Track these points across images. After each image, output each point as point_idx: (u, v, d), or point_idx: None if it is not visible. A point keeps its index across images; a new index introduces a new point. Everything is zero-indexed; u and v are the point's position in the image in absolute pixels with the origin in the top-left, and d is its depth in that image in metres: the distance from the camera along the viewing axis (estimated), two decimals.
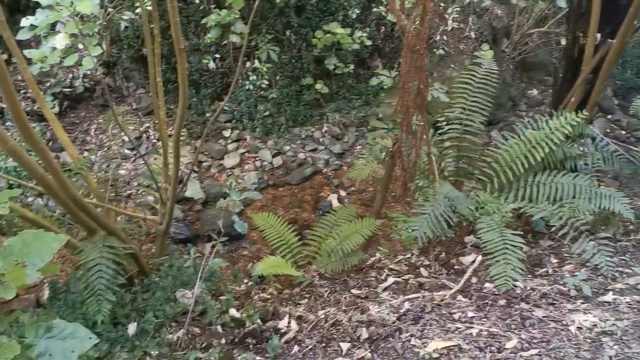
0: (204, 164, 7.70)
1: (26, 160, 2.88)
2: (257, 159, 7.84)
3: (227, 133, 8.03)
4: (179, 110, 3.34)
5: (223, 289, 3.97)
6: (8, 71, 2.45)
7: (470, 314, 3.05)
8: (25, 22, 4.65)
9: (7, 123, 7.16)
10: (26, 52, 4.63)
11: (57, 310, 3.63)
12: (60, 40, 5.02)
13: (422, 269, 3.93)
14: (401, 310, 3.22)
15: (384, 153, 4.42)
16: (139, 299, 3.76)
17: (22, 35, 4.59)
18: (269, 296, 4.10)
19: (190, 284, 3.83)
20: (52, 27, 5.10)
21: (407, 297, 3.42)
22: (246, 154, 7.91)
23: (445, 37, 8.28)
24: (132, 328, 3.46)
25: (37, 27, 4.65)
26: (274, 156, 7.85)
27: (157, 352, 3.09)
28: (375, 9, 7.90)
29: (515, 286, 3.30)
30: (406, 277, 3.86)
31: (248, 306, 3.62)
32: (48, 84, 7.46)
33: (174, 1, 2.75)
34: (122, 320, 3.60)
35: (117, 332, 3.40)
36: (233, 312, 3.55)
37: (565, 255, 3.77)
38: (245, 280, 4.77)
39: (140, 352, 3.10)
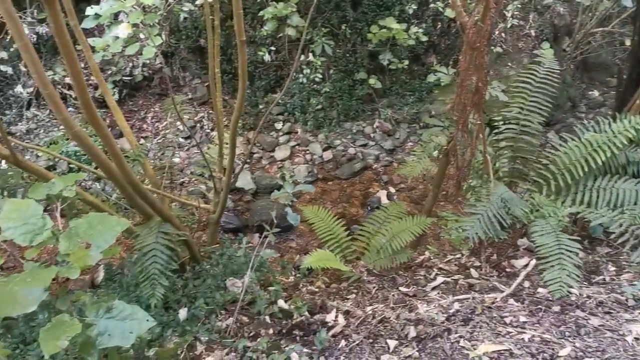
0: (255, 155, 7.80)
1: (89, 145, 2.98)
2: (308, 152, 7.88)
3: (279, 125, 8.10)
4: (237, 101, 3.38)
5: (272, 279, 4.02)
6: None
7: (522, 319, 2.99)
8: (90, 11, 4.80)
9: (69, 109, 7.42)
10: (90, 40, 4.79)
11: (112, 292, 3.75)
12: (122, 30, 5.17)
13: (472, 270, 3.87)
14: (450, 311, 3.18)
15: (438, 151, 4.38)
16: (190, 285, 3.85)
17: (87, 24, 4.74)
18: (316, 289, 4.12)
19: (240, 273, 3.90)
20: (115, 17, 5.26)
21: (456, 297, 3.37)
22: (297, 146, 7.97)
23: (503, 35, 8.09)
24: (182, 313, 3.54)
25: (101, 16, 4.80)
26: (324, 150, 7.87)
27: (207, 338, 3.16)
28: (432, 5, 7.79)
29: (570, 293, 3.21)
30: (456, 277, 3.82)
31: (296, 298, 3.66)
32: (109, 72, 7.68)
33: None
34: (173, 305, 3.69)
35: (168, 316, 3.49)
36: (281, 303, 3.59)
37: (624, 263, 3.64)
38: (293, 272, 4.82)
39: (190, 337, 3.17)
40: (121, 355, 2.41)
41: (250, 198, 7.25)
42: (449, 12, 7.32)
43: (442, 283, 3.73)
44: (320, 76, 7.75)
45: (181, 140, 7.85)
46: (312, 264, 3.87)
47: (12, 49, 7.30)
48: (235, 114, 3.50)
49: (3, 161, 6.93)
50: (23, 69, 7.41)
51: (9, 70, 7.36)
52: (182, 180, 7.32)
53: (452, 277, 3.82)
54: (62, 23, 2.30)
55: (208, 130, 7.92)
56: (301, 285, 4.24)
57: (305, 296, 3.90)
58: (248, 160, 7.55)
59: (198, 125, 8.04)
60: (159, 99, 8.33)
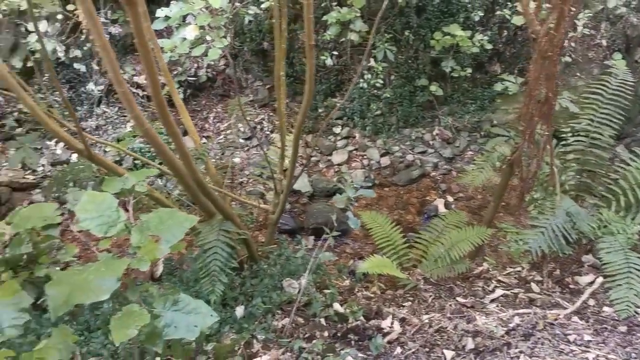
0: (312, 158, 7.84)
1: (158, 142, 3.07)
2: (365, 157, 7.87)
3: (337, 129, 8.12)
4: (303, 105, 3.42)
5: (328, 282, 4.03)
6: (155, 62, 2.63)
7: (586, 338, 2.89)
8: (160, 12, 4.98)
9: None
10: (158, 41, 4.97)
11: (174, 286, 3.85)
12: (190, 32, 5.32)
13: (533, 285, 3.78)
14: (510, 325, 3.11)
15: (502, 161, 4.29)
16: (247, 283, 3.92)
17: (157, 25, 4.91)
18: (372, 295, 4.11)
19: (297, 274, 3.94)
20: (183, 19, 5.41)
21: (516, 311, 3.30)
22: (354, 151, 7.96)
23: (573, 44, 7.85)
24: (239, 311, 3.61)
25: (170, 18, 4.97)
26: (382, 156, 7.83)
27: (263, 337, 3.20)
28: (498, 12, 7.63)
29: (638, 313, 3.09)
30: (515, 291, 3.73)
31: (352, 302, 3.66)
32: (175, 72, 7.89)
33: None
34: (230, 302, 3.77)
35: (225, 313, 3.56)
36: (337, 306, 3.60)
37: None
38: (348, 277, 4.82)
39: (247, 335, 3.22)
40: (183, 348, 2.47)
41: (307, 201, 7.29)
42: (516, 20, 7.16)
43: (502, 296, 3.65)
44: (381, 82, 7.72)
45: (241, 141, 7.98)
46: (369, 269, 3.87)
47: (85, 48, 7.63)
48: (299, 118, 3.54)
49: (74, 155, 7.27)
50: (95, 67, 7.73)
51: (82, 68, 7.69)
52: (240, 180, 7.45)
53: (512, 291, 3.73)
54: (142, 25, 2.39)
55: (268, 132, 8.03)
56: (356, 290, 4.24)
57: (361, 301, 3.90)
58: (305, 163, 7.61)
59: (258, 127, 8.16)
60: (221, 99, 8.51)
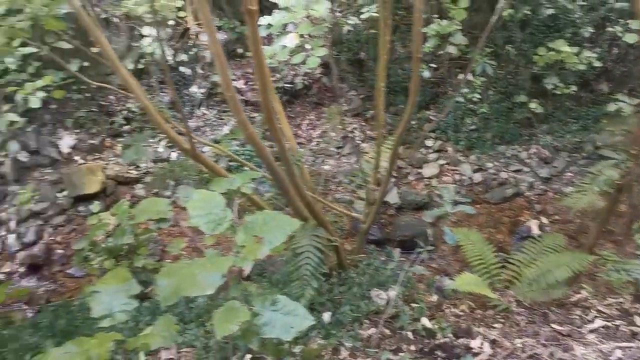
0: (403, 170, 7.79)
1: (260, 146, 3.18)
2: (457, 172, 7.72)
3: (429, 142, 8.03)
4: (404, 117, 3.42)
5: (416, 296, 3.99)
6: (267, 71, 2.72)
7: None
8: (263, 20, 5.15)
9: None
10: None
11: (269, 286, 3.95)
12: (291, 40, 5.46)
13: (636, 318, 3.56)
14: (611, 358, 2.95)
15: (609, 185, 4.07)
16: (335, 290, 3.94)
17: (260, 33, 5.09)
18: (460, 313, 4.02)
19: (385, 286, 3.92)
20: (284, 27, 5.57)
21: (618, 344, 3.12)
22: (446, 165, 7.84)
23: None
24: (326, 317, 3.63)
25: (272, 26, 5.12)
26: (474, 171, 7.67)
27: (351, 345, 3.21)
28: (610, 29, 7.27)
29: None
30: (617, 322, 3.53)
31: (440, 318, 3.60)
32: (273, 79, 8.12)
33: (419, 12, 2.82)
34: (317, 307, 3.80)
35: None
36: (425, 321, 3.55)
37: None
38: (434, 292, 4.74)
39: (335, 341, 3.24)
40: (276, 347, 2.53)
41: (394, 212, 7.25)
42: (629, 37, 6.79)
43: (602, 327, 3.46)
44: (478, 96, 7.57)
45: (332, 149, 8.07)
46: (460, 287, 3.79)
47: (191, 52, 8.01)
48: (399, 129, 3.54)
49: (173, 153, 7.63)
50: (199, 71, 8.09)
51: (188, 71, 8.08)
52: (329, 187, 7.53)
53: (613, 322, 3.53)
54: (259, 33, 2.49)
55: (359, 142, 8.06)
56: (444, 306, 4.16)
57: (449, 318, 3.82)
58: (395, 175, 7.58)
59: (349, 136, 8.22)
60: (315, 107, 8.65)
